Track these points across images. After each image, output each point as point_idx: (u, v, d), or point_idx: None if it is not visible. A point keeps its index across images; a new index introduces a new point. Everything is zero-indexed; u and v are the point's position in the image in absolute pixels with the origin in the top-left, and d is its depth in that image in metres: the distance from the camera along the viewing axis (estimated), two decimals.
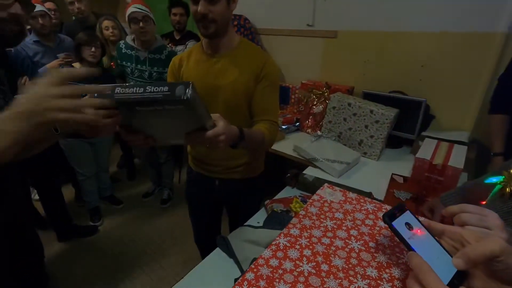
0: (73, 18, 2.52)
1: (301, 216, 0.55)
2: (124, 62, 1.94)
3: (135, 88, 0.52)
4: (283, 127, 1.88)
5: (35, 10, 1.76)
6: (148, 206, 2.50)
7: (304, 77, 2.15)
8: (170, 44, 2.43)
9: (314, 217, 0.55)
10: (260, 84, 1.03)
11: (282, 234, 0.51)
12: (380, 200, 1.17)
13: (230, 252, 0.92)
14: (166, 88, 0.50)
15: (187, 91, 0.50)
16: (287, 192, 1.28)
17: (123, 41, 1.97)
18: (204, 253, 1.44)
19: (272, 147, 1.71)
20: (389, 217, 0.42)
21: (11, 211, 1.19)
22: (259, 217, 1.11)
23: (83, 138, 1.94)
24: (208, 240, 1.42)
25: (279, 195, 1.25)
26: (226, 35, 1.01)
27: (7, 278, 1.13)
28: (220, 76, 1.04)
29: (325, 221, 0.54)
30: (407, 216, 0.44)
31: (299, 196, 1.21)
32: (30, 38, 1.91)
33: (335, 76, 2.06)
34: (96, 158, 2.11)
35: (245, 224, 1.05)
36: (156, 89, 0.51)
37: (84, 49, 1.75)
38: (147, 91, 0.51)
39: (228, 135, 0.70)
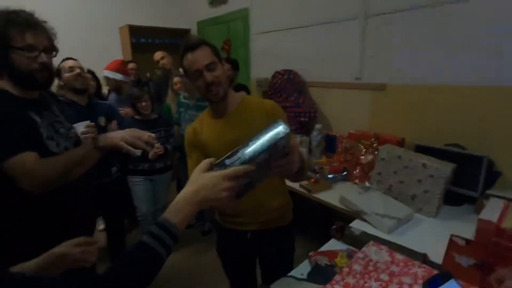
0: (152, 74, 3.09)
1: (344, 274, 0.57)
2: (180, 108, 2.34)
3: (245, 149, 0.64)
4: (330, 176, 1.88)
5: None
6: (191, 239, 2.60)
7: (352, 127, 2.17)
8: None
9: (358, 276, 0.56)
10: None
11: None
12: (438, 264, 1.07)
13: None
14: (272, 136, 0.64)
15: (286, 125, 0.64)
16: (332, 244, 1.25)
17: (181, 92, 2.36)
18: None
19: (317, 196, 1.71)
20: (430, 285, 0.42)
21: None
22: (303, 268, 1.09)
23: (146, 175, 2.20)
24: None
25: (324, 247, 1.22)
26: (229, 96, 1.13)
27: None
28: (235, 129, 1.10)
29: (369, 281, 0.54)
30: (452, 286, 0.43)
31: (345, 250, 1.17)
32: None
33: (384, 127, 2.04)
34: (155, 195, 2.32)
35: (288, 275, 1.04)
36: (262, 137, 0.64)
37: (137, 104, 2.10)
38: (253, 143, 0.64)
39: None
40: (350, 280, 0.53)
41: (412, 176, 1.49)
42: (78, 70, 1.73)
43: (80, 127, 1.24)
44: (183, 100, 2.32)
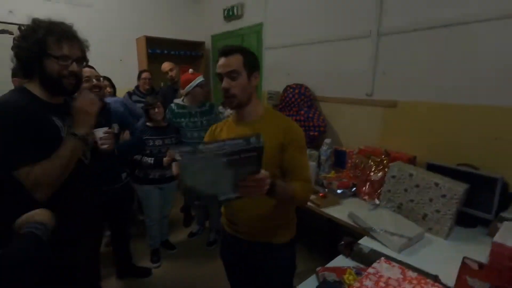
0: (165, 84, 3.19)
1: None
2: (178, 119, 2.32)
3: (217, 144, 0.70)
4: (338, 191, 1.86)
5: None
6: (196, 249, 2.58)
7: (362, 143, 2.17)
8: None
9: None
10: (288, 151, 1.10)
11: None
12: (450, 287, 1.04)
13: None
14: (241, 141, 0.68)
15: (260, 140, 0.69)
16: (340, 260, 1.23)
17: (173, 104, 2.36)
18: None
19: (325, 211, 1.70)
20: None
21: (91, 244, 1.37)
22: (310, 284, 1.07)
23: (157, 183, 2.22)
24: None
25: (332, 263, 1.20)
26: (249, 105, 1.14)
27: None
28: None
29: None
30: None
31: (353, 268, 1.15)
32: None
33: (395, 144, 2.03)
34: (163, 203, 2.34)
35: None
36: (235, 142, 0.68)
37: (150, 110, 2.16)
38: (227, 144, 0.67)
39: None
40: None
41: (423, 195, 1.47)
42: (94, 81, 1.75)
43: (99, 132, 1.27)
44: (181, 111, 2.32)
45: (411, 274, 0.58)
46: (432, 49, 1.82)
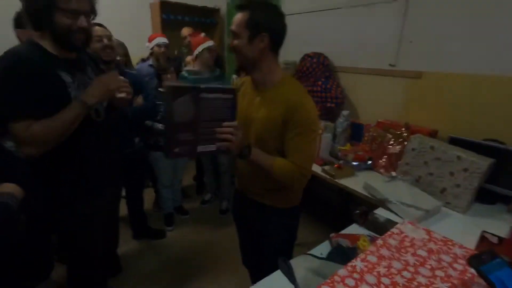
0: (180, 51, 3.11)
1: (379, 245, 0.54)
2: None
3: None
4: (354, 163, 1.83)
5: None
6: (209, 216, 2.65)
7: (380, 115, 2.09)
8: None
9: (393, 250, 0.53)
10: (290, 132, 0.99)
11: (358, 258, 0.51)
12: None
13: (291, 277, 0.91)
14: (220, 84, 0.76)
15: (234, 91, 0.84)
16: (353, 229, 1.22)
17: (185, 71, 2.31)
18: (253, 275, 1.43)
19: (340, 182, 1.68)
20: (474, 261, 0.39)
21: (112, 205, 1.42)
22: (322, 248, 1.08)
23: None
24: (253, 262, 1.40)
25: (345, 231, 1.20)
26: (259, 72, 1.04)
27: (97, 260, 1.32)
28: (256, 110, 1.06)
29: (405, 255, 0.52)
30: (498, 263, 0.39)
31: (368, 235, 1.14)
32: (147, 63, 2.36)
33: (416, 117, 1.95)
34: (174, 170, 2.37)
35: (308, 252, 1.03)
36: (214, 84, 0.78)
37: (162, 76, 2.15)
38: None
39: (241, 138, 0.91)
40: (385, 252, 0.51)
41: (444, 168, 1.42)
42: (105, 41, 1.71)
43: None
44: (194, 77, 2.26)
45: (436, 235, 0.56)
46: (466, 15, 1.68)
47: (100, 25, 1.74)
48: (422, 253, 0.52)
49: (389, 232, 0.57)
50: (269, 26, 0.97)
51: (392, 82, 2.08)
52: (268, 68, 1.04)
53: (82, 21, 0.99)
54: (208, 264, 2.06)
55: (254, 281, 1.31)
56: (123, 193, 2.30)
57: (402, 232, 0.57)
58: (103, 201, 1.25)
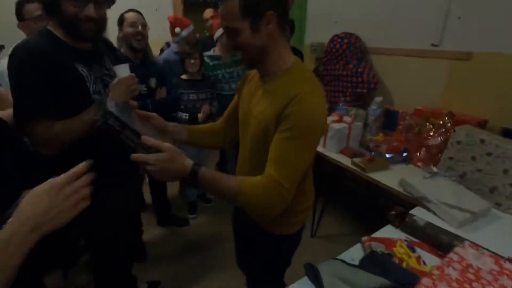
0: (202, 34, 3.00)
1: (434, 278, 0.44)
2: (215, 72, 2.21)
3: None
4: (387, 155, 1.68)
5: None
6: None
7: (418, 102, 1.89)
8: None
9: (454, 284, 0.43)
10: (279, 132, 0.76)
11: None
12: None
13: (320, 286, 0.83)
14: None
15: (105, 114, 0.69)
16: (388, 231, 1.11)
17: (206, 57, 2.20)
18: (247, 276, 1.31)
19: (372, 176, 1.55)
20: None
21: (133, 196, 1.40)
22: (354, 253, 0.99)
23: None
24: (243, 263, 1.32)
25: (379, 233, 1.09)
26: (268, 61, 0.82)
27: (121, 248, 1.33)
28: (255, 104, 0.87)
29: None
30: None
31: (404, 240, 1.03)
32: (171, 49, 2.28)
33: (462, 105, 1.74)
34: (198, 158, 2.34)
35: (338, 257, 0.95)
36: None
37: (186, 60, 2.03)
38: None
39: (165, 169, 0.67)
40: None
41: (496, 165, 1.24)
42: (139, 28, 1.66)
43: (121, 70, 1.06)
44: (216, 62, 2.23)
45: (509, 266, 0.44)
46: None
47: (136, 11, 1.71)
48: None
49: (446, 259, 0.47)
50: (272, 2, 0.74)
51: (434, 65, 1.86)
52: (278, 53, 0.82)
53: (89, 10, 0.93)
54: (227, 254, 2.05)
55: (249, 285, 1.25)
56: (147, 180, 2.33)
57: (463, 259, 0.46)
58: (123, 193, 1.23)
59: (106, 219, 1.17)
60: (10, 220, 0.46)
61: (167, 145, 0.68)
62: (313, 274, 0.87)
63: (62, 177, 0.51)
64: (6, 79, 0.96)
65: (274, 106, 0.78)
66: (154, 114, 0.93)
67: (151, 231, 2.24)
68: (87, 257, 1.90)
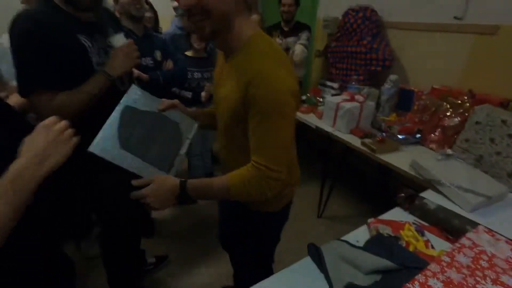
0: None
1: (444, 264, 0.41)
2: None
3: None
4: (400, 137, 1.61)
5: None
6: None
7: (436, 81, 1.79)
8: (280, 37, 2.42)
9: (465, 271, 0.40)
10: (251, 119, 0.72)
11: (416, 282, 0.38)
12: None
13: (322, 266, 0.82)
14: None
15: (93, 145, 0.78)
16: (396, 214, 1.08)
17: None
18: (230, 254, 1.29)
19: (382, 158, 1.49)
20: None
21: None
22: (359, 235, 0.96)
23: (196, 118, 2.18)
24: (227, 241, 1.31)
25: (386, 216, 1.06)
26: (228, 34, 0.73)
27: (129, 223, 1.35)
28: (221, 85, 0.82)
29: (483, 281, 0.38)
30: None
31: (413, 223, 1.00)
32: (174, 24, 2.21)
33: (483, 83, 1.63)
34: (203, 139, 2.34)
35: (342, 238, 0.93)
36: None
37: (192, 35, 1.96)
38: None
39: (158, 196, 0.79)
40: (453, 275, 0.37)
41: None
42: None
43: (117, 39, 1.03)
44: None
45: None
46: None
47: None
48: (508, 281, 0.38)
49: (457, 244, 0.43)
50: None
51: (456, 40, 1.73)
52: (239, 25, 0.73)
53: None
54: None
55: (233, 264, 1.25)
56: None
57: (476, 245, 0.43)
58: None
59: (113, 194, 1.18)
60: (18, 159, 0.54)
61: (152, 178, 0.81)
62: (316, 255, 0.86)
63: (46, 120, 0.59)
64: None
65: (235, 90, 0.73)
66: (176, 101, 0.96)
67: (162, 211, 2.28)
68: (98, 230, 1.97)
